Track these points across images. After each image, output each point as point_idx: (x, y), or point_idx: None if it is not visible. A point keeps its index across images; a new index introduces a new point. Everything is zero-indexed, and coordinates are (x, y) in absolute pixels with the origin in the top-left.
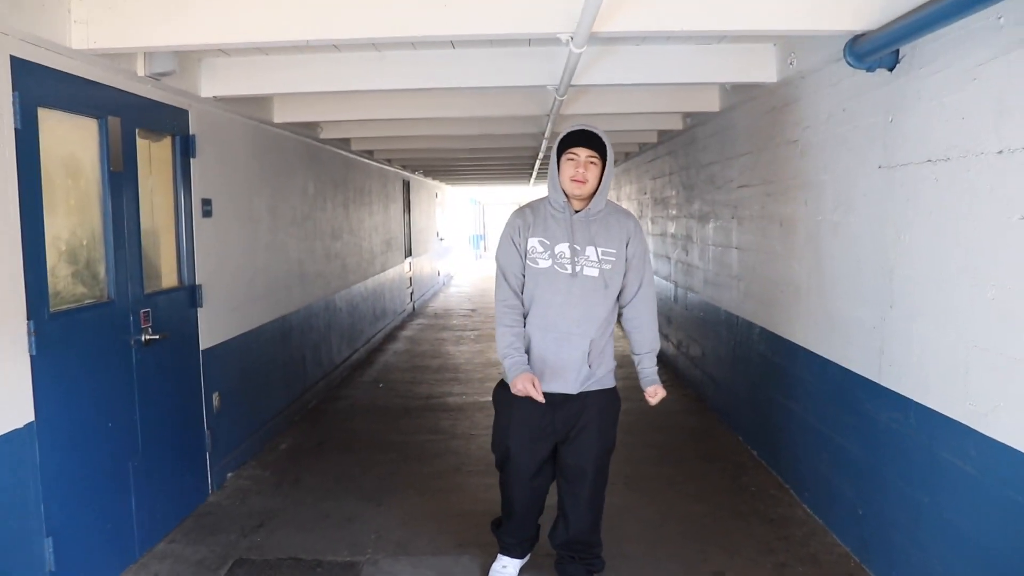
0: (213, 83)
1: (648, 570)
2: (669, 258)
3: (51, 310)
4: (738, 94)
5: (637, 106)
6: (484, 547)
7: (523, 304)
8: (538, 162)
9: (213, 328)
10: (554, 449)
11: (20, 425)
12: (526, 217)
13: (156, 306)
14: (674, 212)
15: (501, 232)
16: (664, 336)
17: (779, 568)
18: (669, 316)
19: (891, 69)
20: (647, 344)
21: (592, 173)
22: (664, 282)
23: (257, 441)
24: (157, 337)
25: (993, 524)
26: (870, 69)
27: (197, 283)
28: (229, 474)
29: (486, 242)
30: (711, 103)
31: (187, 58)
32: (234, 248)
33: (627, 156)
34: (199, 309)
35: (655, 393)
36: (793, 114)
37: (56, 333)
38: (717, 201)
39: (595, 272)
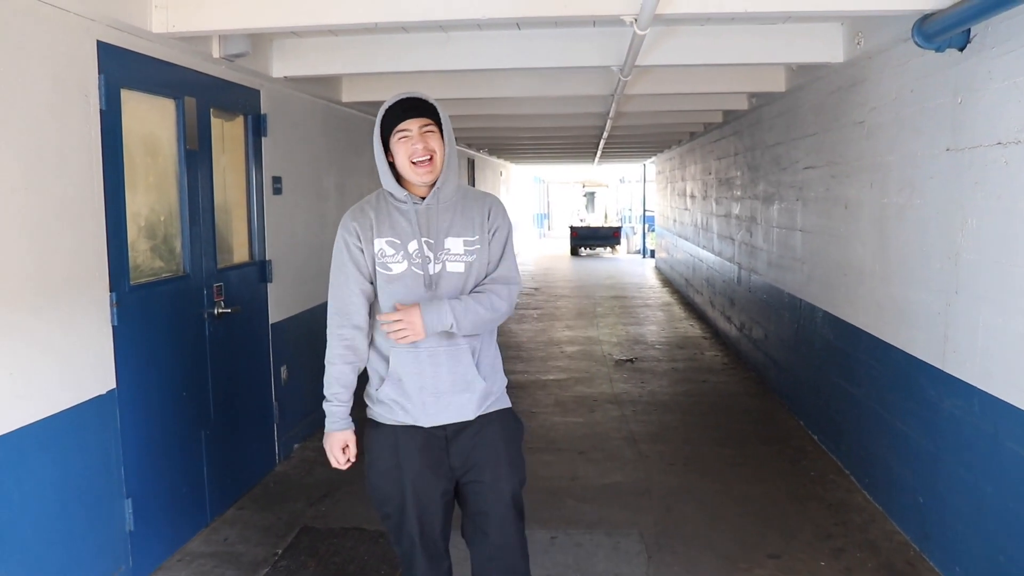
0: (284, 64)
1: (705, 551)
2: (733, 239)
3: (131, 283)
4: (804, 74)
5: (701, 86)
6: (544, 522)
7: (363, 330)
8: (602, 141)
9: (282, 303)
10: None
11: (103, 392)
12: (367, 217)
13: (228, 280)
14: (739, 193)
15: (335, 245)
16: (727, 318)
17: (836, 553)
18: (732, 298)
19: (961, 49)
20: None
21: (435, 143)
22: (728, 263)
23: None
24: (229, 310)
25: None
26: (939, 49)
27: (267, 259)
28: (296, 445)
29: (550, 221)
30: (777, 83)
31: (259, 40)
32: (303, 225)
33: (692, 136)
34: (269, 284)
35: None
36: (859, 95)
37: (136, 305)
38: (782, 182)
39: (460, 267)
